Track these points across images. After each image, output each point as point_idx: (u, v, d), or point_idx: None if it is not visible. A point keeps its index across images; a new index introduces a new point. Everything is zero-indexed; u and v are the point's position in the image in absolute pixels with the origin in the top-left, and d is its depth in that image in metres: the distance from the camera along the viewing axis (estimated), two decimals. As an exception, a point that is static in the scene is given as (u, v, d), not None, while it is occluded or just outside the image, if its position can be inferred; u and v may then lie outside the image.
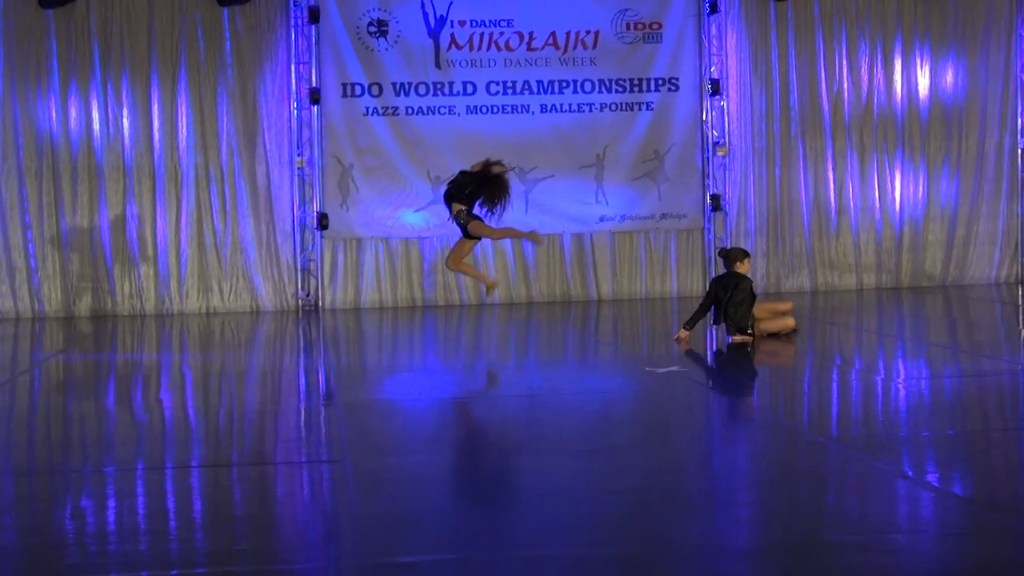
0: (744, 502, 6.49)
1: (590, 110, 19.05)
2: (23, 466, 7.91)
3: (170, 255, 18.36)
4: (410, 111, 18.70)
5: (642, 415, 9.50)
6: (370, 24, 18.56)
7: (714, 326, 13.51)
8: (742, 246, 17.99)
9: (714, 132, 19.21)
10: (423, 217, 18.76)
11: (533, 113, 18.95)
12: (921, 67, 19.72)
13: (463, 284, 18.81)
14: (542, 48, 18.90)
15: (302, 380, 12.01)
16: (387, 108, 18.65)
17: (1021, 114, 19.98)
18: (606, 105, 19.06)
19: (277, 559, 5.62)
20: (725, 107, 19.22)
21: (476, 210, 13.06)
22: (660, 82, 19.16)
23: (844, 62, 19.55)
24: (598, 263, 19.24)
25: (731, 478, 7.19)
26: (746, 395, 10.46)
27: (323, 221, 18.50)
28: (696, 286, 19.38)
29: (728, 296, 13.08)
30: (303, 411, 9.93)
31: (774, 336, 13.33)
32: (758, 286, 18.91)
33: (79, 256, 18.20)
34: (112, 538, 6.00)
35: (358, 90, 18.59)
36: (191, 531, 6.17)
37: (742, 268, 13.28)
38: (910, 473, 6.93)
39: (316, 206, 18.54)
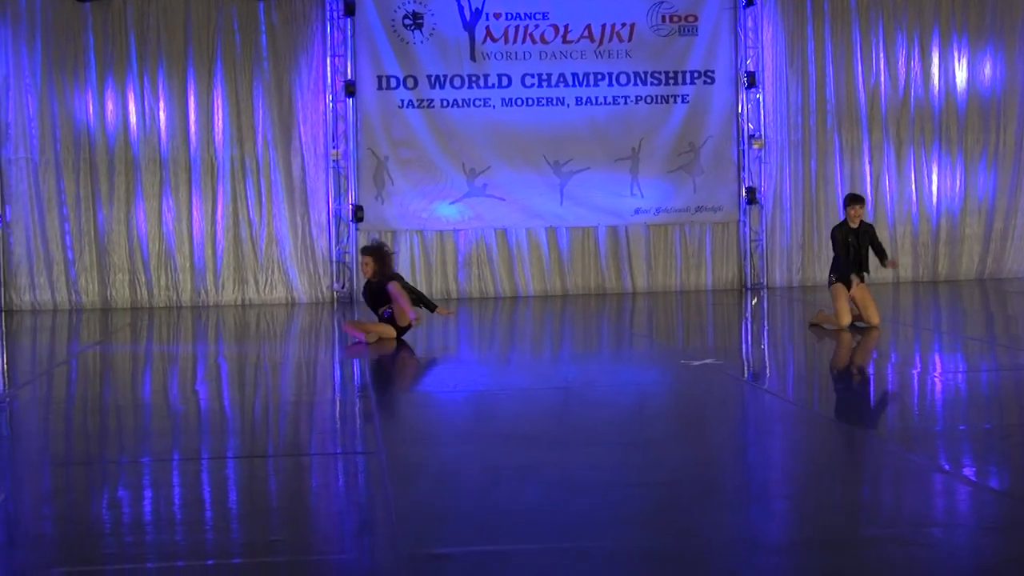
0: (779, 496, 6.46)
1: (625, 103, 19.02)
2: (60, 457, 7.96)
3: (206, 247, 18.45)
4: (445, 104, 18.72)
5: (677, 408, 9.48)
6: (405, 17, 18.59)
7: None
8: (775, 233, 17.92)
9: (750, 125, 19.15)
10: (458, 209, 18.81)
11: (568, 106, 18.94)
12: (959, 60, 19.58)
13: (498, 276, 18.85)
14: (577, 41, 18.88)
15: (337, 372, 12.03)
16: (422, 101, 18.67)
17: (1060, 107, 19.83)
18: (641, 98, 19.03)
19: (312, 550, 5.64)
20: (761, 100, 19.15)
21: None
22: (696, 75, 19.10)
23: (881, 55, 19.43)
24: (633, 255, 19.21)
25: (766, 471, 7.17)
26: (781, 388, 10.42)
27: (358, 213, 18.55)
28: (731, 278, 19.33)
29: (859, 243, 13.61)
30: (338, 402, 9.96)
31: (817, 326, 13.41)
32: (793, 280, 18.91)
33: (116, 248, 18.31)
34: (148, 528, 6.03)
35: (393, 83, 18.62)
36: (227, 521, 6.19)
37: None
38: (946, 467, 6.89)
39: (351, 198, 18.60)
